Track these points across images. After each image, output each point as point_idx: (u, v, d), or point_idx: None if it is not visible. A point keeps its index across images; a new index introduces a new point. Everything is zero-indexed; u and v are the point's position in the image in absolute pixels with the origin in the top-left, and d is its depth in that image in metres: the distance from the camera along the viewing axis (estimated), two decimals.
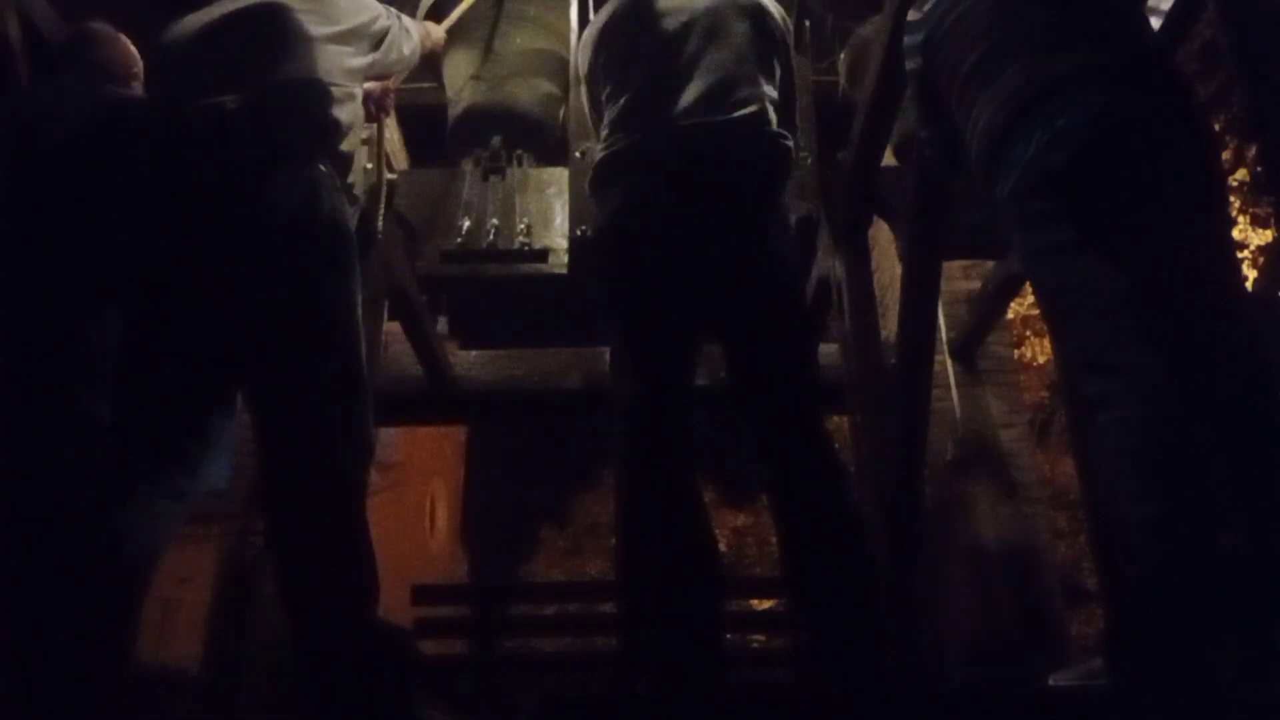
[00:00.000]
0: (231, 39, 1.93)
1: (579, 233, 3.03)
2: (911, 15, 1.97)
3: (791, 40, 2.29)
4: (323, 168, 1.85)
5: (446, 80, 3.64)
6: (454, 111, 3.55)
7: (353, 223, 1.99)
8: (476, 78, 3.49)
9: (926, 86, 1.93)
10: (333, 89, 1.93)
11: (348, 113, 1.97)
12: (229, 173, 1.79)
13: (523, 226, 3.28)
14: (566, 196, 3.31)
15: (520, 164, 3.43)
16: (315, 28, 1.95)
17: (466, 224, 3.26)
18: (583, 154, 3.14)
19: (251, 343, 1.76)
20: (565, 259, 3.25)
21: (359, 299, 1.87)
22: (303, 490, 1.66)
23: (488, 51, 3.50)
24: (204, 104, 1.83)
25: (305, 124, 1.88)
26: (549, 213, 3.36)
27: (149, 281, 1.84)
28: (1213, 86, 4.97)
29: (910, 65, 1.97)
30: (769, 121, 2.09)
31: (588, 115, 2.50)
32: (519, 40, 3.54)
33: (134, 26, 2.28)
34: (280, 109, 1.86)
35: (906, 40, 1.97)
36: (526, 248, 3.27)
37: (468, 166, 3.45)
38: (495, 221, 3.28)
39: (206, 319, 1.78)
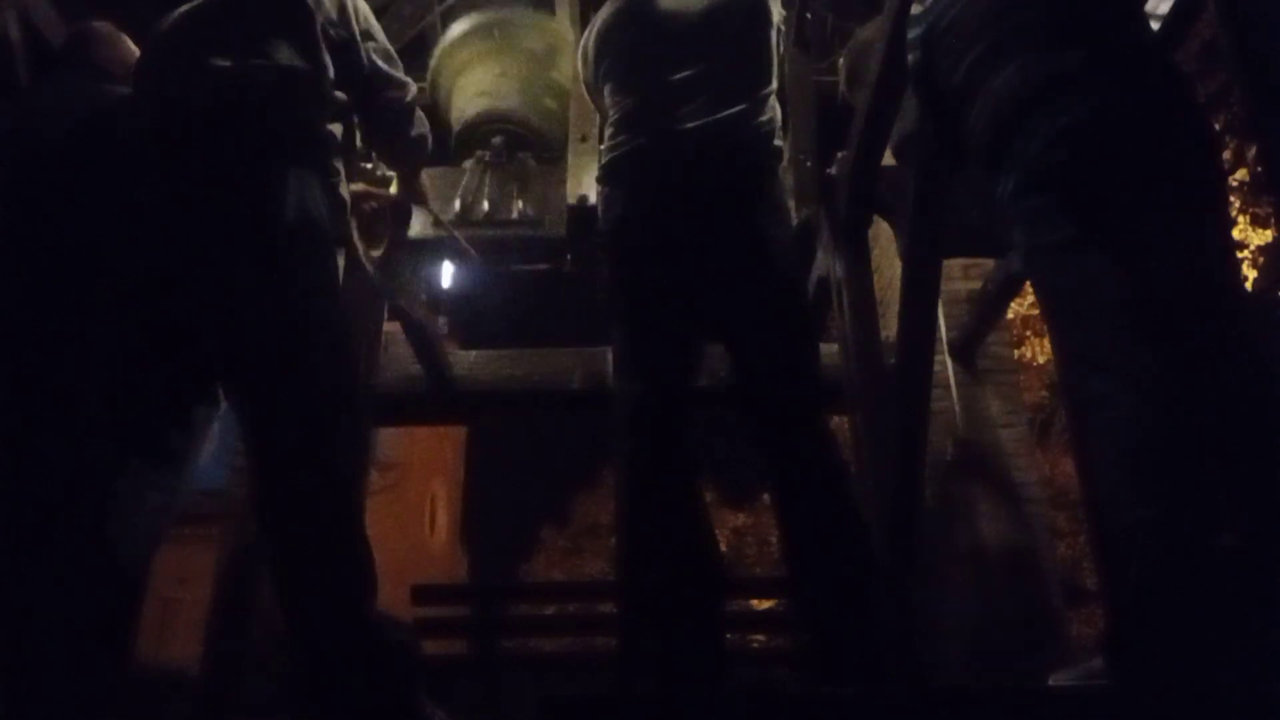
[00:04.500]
0: (222, 24, 1.92)
1: (577, 199, 3.03)
2: (914, 8, 1.98)
3: (787, 38, 2.29)
4: (303, 168, 1.83)
5: (454, 105, 3.69)
6: (458, 126, 3.59)
7: (338, 220, 1.98)
8: (482, 94, 3.56)
9: (925, 80, 1.94)
10: (321, 89, 1.91)
11: (332, 114, 1.95)
12: (200, 171, 1.78)
13: (519, 199, 3.31)
14: (567, 184, 3.31)
15: (518, 161, 3.45)
16: (316, 22, 1.94)
17: (463, 202, 3.29)
18: (584, 137, 3.15)
19: (231, 342, 1.76)
20: (563, 227, 3.24)
21: (338, 294, 1.86)
22: (297, 490, 1.66)
23: (493, 68, 3.56)
24: (177, 97, 1.82)
25: (278, 119, 1.86)
26: (548, 194, 3.38)
27: (133, 280, 1.83)
28: (1213, 86, 4.97)
29: (910, 58, 1.97)
30: (757, 116, 2.09)
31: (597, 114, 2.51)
32: (523, 57, 3.59)
33: (134, 26, 2.28)
34: (259, 102, 1.84)
35: (908, 34, 1.97)
36: (525, 216, 3.28)
37: (468, 166, 3.46)
38: (493, 199, 3.31)
39: (187, 318, 1.78)
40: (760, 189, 2.08)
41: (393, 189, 2.63)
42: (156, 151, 1.83)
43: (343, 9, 1.99)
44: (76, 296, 1.93)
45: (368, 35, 2.07)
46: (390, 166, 2.51)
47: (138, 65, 2.08)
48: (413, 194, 2.57)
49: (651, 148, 2.06)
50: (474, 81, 3.60)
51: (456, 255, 3.06)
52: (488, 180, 3.37)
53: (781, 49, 2.34)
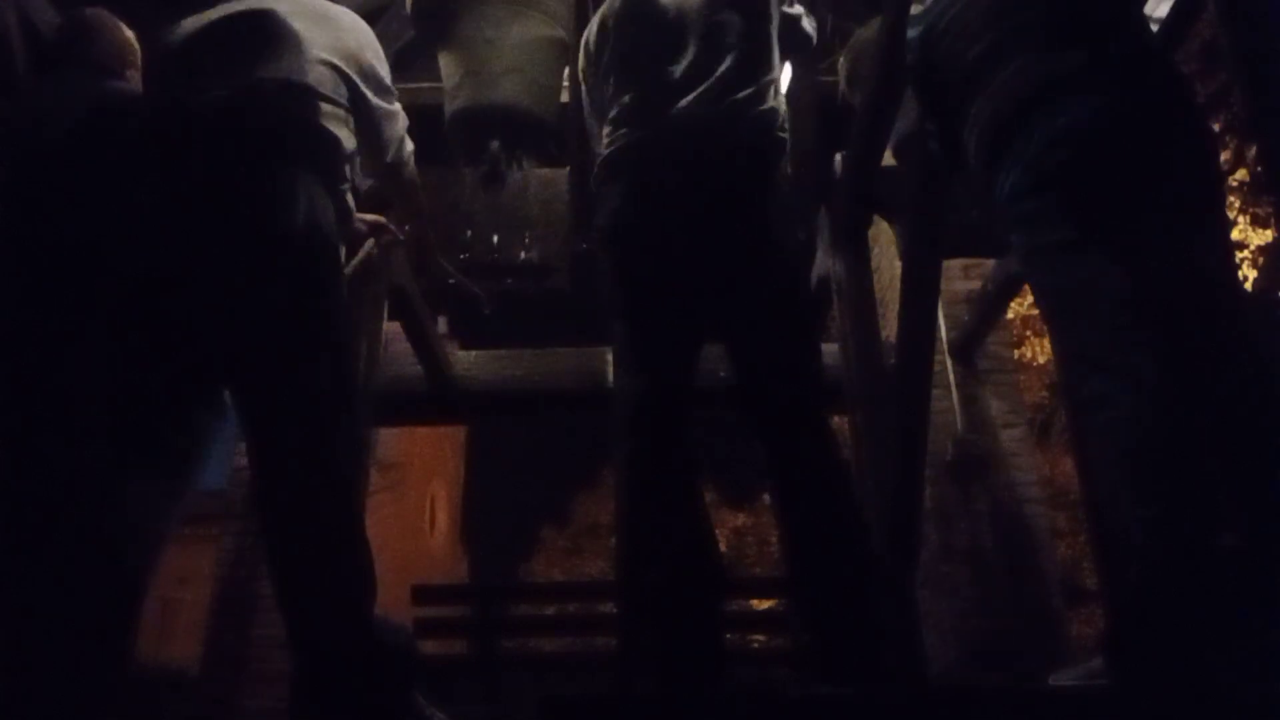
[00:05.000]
0: (226, 42, 1.93)
1: (583, 248, 3.04)
2: (914, 8, 1.98)
3: (782, 28, 2.27)
4: (306, 172, 1.84)
5: (443, 73, 3.59)
6: (450, 109, 3.48)
7: (345, 225, 1.98)
8: (472, 73, 3.41)
9: (925, 80, 1.94)
10: (322, 103, 1.92)
11: (336, 124, 1.96)
12: (207, 173, 1.78)
13: (526, 240, 3.29)
14: (569, 203, 3.31)
15: (520, 166, 3.42)
16: (315, 46, 1.94)
17: (470, 236, 3.26)
18: (581, 165, 3.16)
19: (235, 345, 1.76)
20: (568, 275, 3.27)
21: (343, 300, 1.87)
22: (297, 492, 1.66)
23: (484, 43, 3.42)
24: (185, 101, 1.83)
25: (287, 125, 1.87)
26: (552, 221, 3.36)
27: (137, 280, 1.84)
28: (1213, 86, 4.97)
29: (909, 58, 1.98)
30: (758, 106, 2.08)
31: (586, 117, 2.48)
32: (516, 30, 3.44)
33: (133, 21, 2.27)
34: (261, 108, 1.84)
35: (908, 34, 1.98)
36: (531, 264, 3.28)
37: (467, 172, 3.43)
38: (497, 238, 3.29)
39: (191, 319, 1.78)
40: (761, 183, 2.07)
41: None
42: (159, 152, 1.83)
43: (345, 44, 2.00)
44: (77, 297, 1.93)
45: (367, 74, 2.05)
46: (384, 189, 2.50)
47: (144, 75, 2.09)
48: (422, 240, 2.58)
49: (649, 141, 2.05)
50: (460, 53, 3.43)
51: (465, 299, 3.06)
52: (490, 206, 3.35)
53: (813, 36, 2.34)
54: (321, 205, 1.83)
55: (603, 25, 2.28)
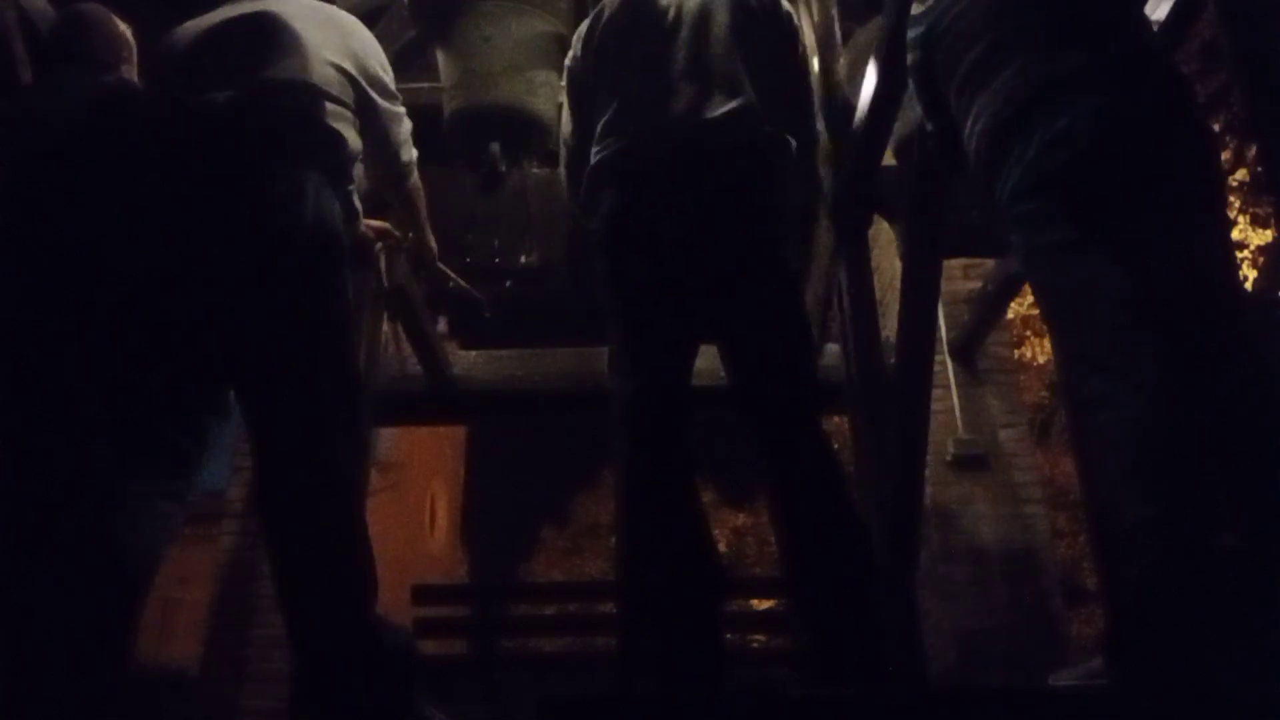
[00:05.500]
0: (232, 43, 1.93)
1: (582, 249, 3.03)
2: (915, 8, 1.98)
3: (797, 30, 2.25)
4: (314, 172, 1.84)
5: (441, 72, 3.56)
6: (448, 109, 3.46)
7: (351, 228, 1.98)
8: (470, 72, 3.39)
9: (926, 80, 1.94)
10: (328, 103, 1.92)
11: (343, 125, 1.96)
12: (215, 172, 1.78)
13: (527, 242, 3.27)
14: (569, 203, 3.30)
15: (520, 167, 3.40)
16: (321, 48, 1.95)
17: (471, 240, 3.25)
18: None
19: (241, 344, 1.76)
20: (571, 280, 3.26)
21: (348, 301, 1.87)
22: (299, 492, 1.66)
23: (482, 41, 3.39)
24: (187, 100, 1.83)
25: (295, 124, 1.87)
26: (554, 223, 3.34)
27: (141, 280, 1.84)
28: (1213, 86, 4.98)
29: (910, 58, 1.98)
30: (759, 117, 2.07)
31: (568, 118, 2.42)
32: (515, 27, 3.40)
33: (133, 20, 2.27)
34: (269, 107, 1.85)
35: (909, 34, 1.98)
36: (531, 267, 3.27)
37: (467, 174, 3.41)
38: (498, 241, 3.27)
39: (196, 319, 1.78)
40: (758, 185, 2.06)
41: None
42: (161, 151, 1.83)
43: (350, 47, 2.01)
44: (77, 297, 1.93)
45: (373, 77, 2.06)
46: (386, 195, 2.50)
47: (147, 77, 2.10)
48: (424, 244, 2.58)
49: (644, 144, 2.04)
50: (458, 52, 3.39)
51: (465, 303, 3.06)
52: (491, 209, 3.33)
53: (794, 48, 2.31)
54: (327, 204, 1.84)
55: (596, 24, 2.26)
